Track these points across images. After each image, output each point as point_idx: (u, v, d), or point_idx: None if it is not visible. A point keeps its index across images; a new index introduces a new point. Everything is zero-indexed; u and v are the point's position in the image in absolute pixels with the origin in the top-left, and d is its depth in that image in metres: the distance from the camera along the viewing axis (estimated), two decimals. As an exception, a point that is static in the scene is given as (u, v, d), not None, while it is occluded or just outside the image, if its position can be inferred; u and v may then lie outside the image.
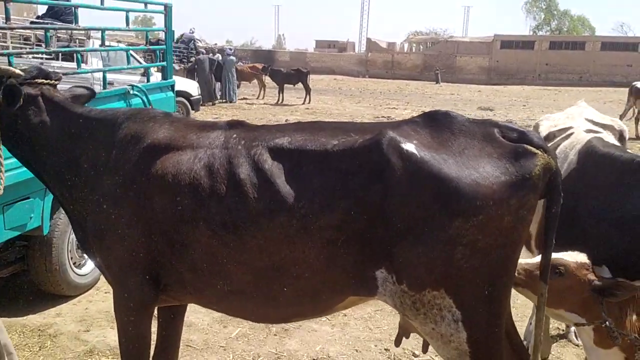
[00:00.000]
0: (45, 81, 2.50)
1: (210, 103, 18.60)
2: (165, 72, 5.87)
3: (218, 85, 19.81)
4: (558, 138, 3.11)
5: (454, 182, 1.89)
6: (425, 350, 2.70)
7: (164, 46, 5.81)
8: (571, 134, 3.10)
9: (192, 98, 12.58)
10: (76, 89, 2.74)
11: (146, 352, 2.52)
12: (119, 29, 5.75)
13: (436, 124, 2.07)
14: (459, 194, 1.88)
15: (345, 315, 4.43)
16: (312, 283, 2.08)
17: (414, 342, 4.06)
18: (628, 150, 3.03)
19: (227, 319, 4.33)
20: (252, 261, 2.08)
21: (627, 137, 3.64)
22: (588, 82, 30.42)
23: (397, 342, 2.71)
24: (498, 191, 1.89)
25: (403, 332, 2.62)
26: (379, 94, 27.16)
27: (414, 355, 3.92)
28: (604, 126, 3.37)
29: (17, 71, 2.44)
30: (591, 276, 2.30)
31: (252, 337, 4.09)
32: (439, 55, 41.28)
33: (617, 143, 3.11)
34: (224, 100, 19.78)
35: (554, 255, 2.23)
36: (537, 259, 2.21)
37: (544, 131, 3.44)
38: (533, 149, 1.95)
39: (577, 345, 4.07)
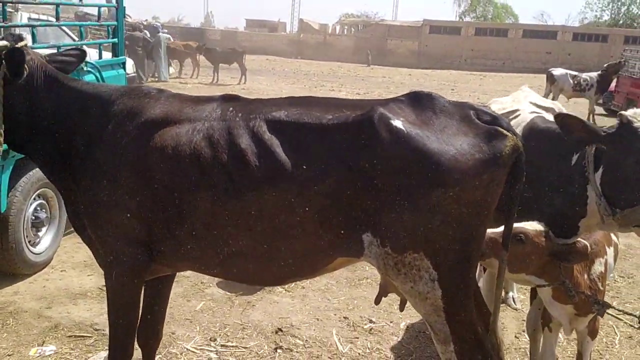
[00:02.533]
0: (24, 46, 2.44)
1: (139, 82, 18.05)
2: (116, 49, 5.77)
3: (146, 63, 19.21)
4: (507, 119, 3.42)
5: (436, 157, 2.10)
6: (402, 308, 2.93)
7: (115, 22, 5.70)
8: (518, 115, 3.43)
9: (127, 76, 12.22)
10: (61, 56, 2.72)
11: (135, 323, 2.61)
12: (71, 4, 5.56)
13: (419, 103, 2.28)
14: (439, 167, 2.09)
15: (304, 288, 4.64)
16: (307, 245, 2.26)
17: (370, 310, 4.35)
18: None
19: (190, 294, 4.44)
20: (252, 225, 2.23)
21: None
22: (511, 68, 31.98)
23: (377, 301, 2.94)
24: (473, 167, 2.12)
25: (382, 292, 2.85)
26: (313, 75, 27.33)
27: (371, 321, 4.19)
28: (546, 109, 3.74)
29: (2, 43, 2.41)
30: (548, 242, 2.60)
31: (216, 309, 4.23)
32: (370, 38, 41.88)
33: None
34: (155, 79, 19.27)
35: (516, 224, 2.52)
36: (501, 229, 2.48)
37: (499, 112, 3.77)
38: (504, 131, 2.20)
39: (516, 309, 4.49)
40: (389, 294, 2.93)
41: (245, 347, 3.74)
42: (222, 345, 3.75)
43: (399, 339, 3.96)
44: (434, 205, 2.12)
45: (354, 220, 2.20)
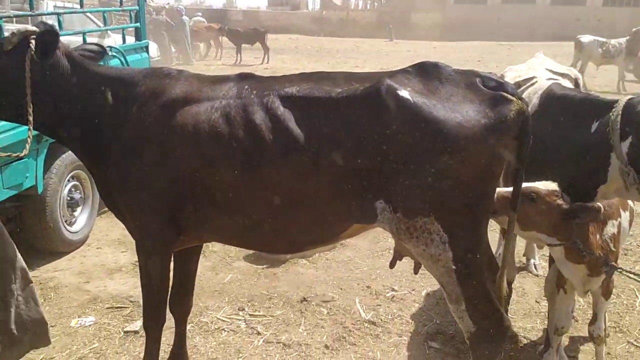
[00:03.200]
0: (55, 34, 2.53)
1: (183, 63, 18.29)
2: (138, 34, 5.92)
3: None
4: (523, 87, 3.46)
5: (442, 124, 2.19)
6: (416, 271, 3.04)
7: (136, 7, 5.85)
8: (535, 82, 3.46)
9: (152, 60, 12.43)
10: (86, 47, 2.87)
11: (166, 293, 2.78)
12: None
13: (426, 73, 2.36)
14: (446, 134, 2.19)
15: (328, 259, 4.79)
16: (323, 213, 2.39)
17: (392, 279, 4.47)
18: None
19: (218, 267, 4.63)
20: (270, 197, 2.36)
21: (581, 84, 4.06)
22: (539, 37, 31.21)
23: (392, 264, 3.06)
24: (479, 132, 2.21)
25: (397, 256, 2.97)
26: (336, 52, 27.17)
27: (393, 289, 4.31)
28: (562, 75, 3.76)
29: (31, 28, 2.55)
30: (560, 201, 2.67)
31: (243, 281, 4.41)
32: (394, 12, 41.27)
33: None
34: (180, 63, 19.49)
35: (529, 184, 2.60)
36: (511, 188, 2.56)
37: (509, 81, 3.80)
38: (509, 96, 2.27)
39: (537, 276, 4.56)
40: (404, 259, 3.03)
41: (272, 316, 3.92)
42: (250, 315, 3.93)
43: (420, 306, 4.08)
44: (442, 171, 2.21)
45: (366, 189, 2.30)
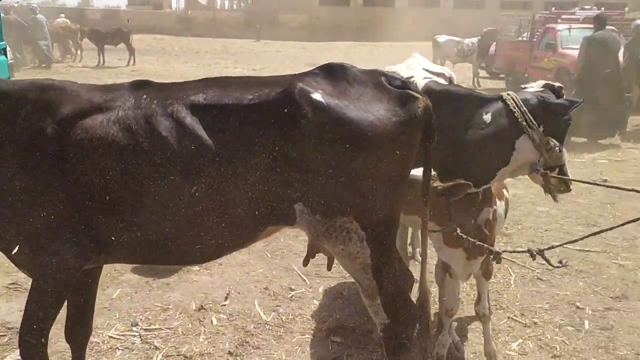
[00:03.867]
0: None
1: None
2: (-7, 34, 5.35)
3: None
4: None
5: (356, 125, 2.23)
6: (329, 267, 3.06)
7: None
8: (413, 81, 3.64)
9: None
10: None
11: (53, 320, 2.47)
12: None
13: (333, 74, 2.39)
14: (361, 134, 2.23)
15: (221, 264, 4.69)
16: (241, 220, 2.32)
17: (289, 279, 4.49)
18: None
19: (105, 282, 4.33)
20: (187, 207, 2.24)
21: (455, 82, 4.35)
22: (401, 37, 32.95)
23: (306, 262, 3.05)
24: (391, 130, 2.28)
25: (311, 253, 2.97)
26: (205, 53, 26.73)
27: (291, 289, 4.33)
28: (438, 74, 4.01)
29: None
30: (435, 183, 2.82)
31: (134, 295, 4.17)
32: (261, 12, 41.41)
33: None
34: (35, 65, 18.01)
35: None
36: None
37: None
38: (415, 94, 2.37)
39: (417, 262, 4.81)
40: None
41: (169, 328, 3.75)
42: (145, 329, 3.73)
43: (320, 303, 4.13)
44: (359, 170, 2.26)
45: (284, 193, 2.29)
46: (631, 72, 10.78)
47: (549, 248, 2.51)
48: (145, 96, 2.31)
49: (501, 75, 16.46)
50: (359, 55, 25.73)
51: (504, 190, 3.40)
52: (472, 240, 2.88)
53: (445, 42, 15.90)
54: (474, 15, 37.43)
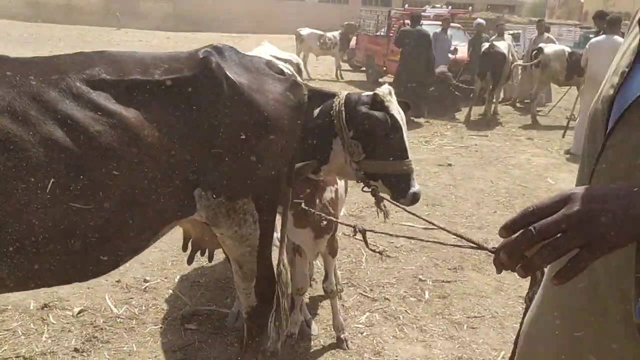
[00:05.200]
0: None
1: None
2: None
3: None
4: None
5: (262, 109, 2.25)
6: (211, 259, 3.06)
7: None
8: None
9: None
10: None
11: None
12: None
13: (226, 56, 2.31)
14: (266, 119, 2.26)
15: (69, 260, 4.43)
16: (144, 215, 2.06)
17: (143, 270, 4.37)
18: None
19: None
20: (94, 203, 1.89)
21: (302, 68, 4.50)
22: (266, 29, 33.03)
23: (190, 260, 3.00)
24: (288, 115, 2.35)
25: (197, 248, 2.93)
26: (59, 41, 24.84)
27: (145, 280, 4.22)
28: (285, 60, 4.14)
29: None
30: None
31: (-34, 298, 3.82)
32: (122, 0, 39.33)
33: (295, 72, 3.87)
34: None
35: None
36: None
37: None
38: (300, 81, 2.47)
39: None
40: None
41: (7, 330, 3.50)
42: (-22, 334, 3.44)
43: (174, 293, 4.08)
44: (261, 153, 2.28)
45: (189, 181, 2.16)
46: (474, 65, 11.85)
47: (370, 230, 2.60)
48: (15, 74, 1.84)
49: (362, 68, 17.17)
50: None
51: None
52: (319, 213, 3.01)
53: (308, 34, 16.21)
54: (335, 11, 38.67)
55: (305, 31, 16.33)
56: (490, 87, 11.19)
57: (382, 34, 15.59)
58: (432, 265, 4.75)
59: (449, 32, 12.36)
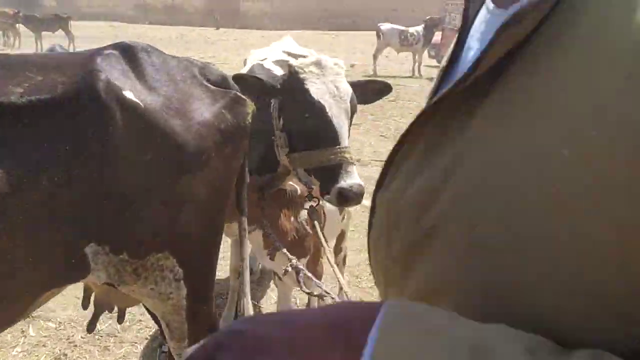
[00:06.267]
0: None
1: None
2: None
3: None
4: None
5: (180, 137, 1.68)
6: (121, 320, 2.61)
7: None
8: (258, 62, 3.34)
9: None
10: None
11: None
12: None
13: (137, 61, 1.73)
14: (186, 149, 1.69)
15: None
16: (14, 289, 1.57)
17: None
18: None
19: None
20: None
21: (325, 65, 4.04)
22: (362, 26, 32.66)
23: (92, 326, 2.43)
24: (219, 142, 1.78)
25: (100, 311, 2.37)
26: (158, 41, 25.98)
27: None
28: (299, 56, 3.67)
29: None
30: (253, 179, 2.48)
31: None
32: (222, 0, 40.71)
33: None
34: (-31, 51, 17.23)
35: None
36: None
37: (250, 64, 3.65)
38: (243, 96, 1.91)
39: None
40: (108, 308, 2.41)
41: (-17, 341, 3.40)
42: (-45, 343, 3.37)
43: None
44: (181, 195, 1.74)
45: (77, 235, 1.62)
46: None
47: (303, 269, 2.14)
48: None
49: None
50: (316, 45, 25.38)
51: None
52: (275, 239, 2.58)
53: (388, 30, 15.59)
54: (435, 4, 37.44)
55: (385, 26, 15.74)
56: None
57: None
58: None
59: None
